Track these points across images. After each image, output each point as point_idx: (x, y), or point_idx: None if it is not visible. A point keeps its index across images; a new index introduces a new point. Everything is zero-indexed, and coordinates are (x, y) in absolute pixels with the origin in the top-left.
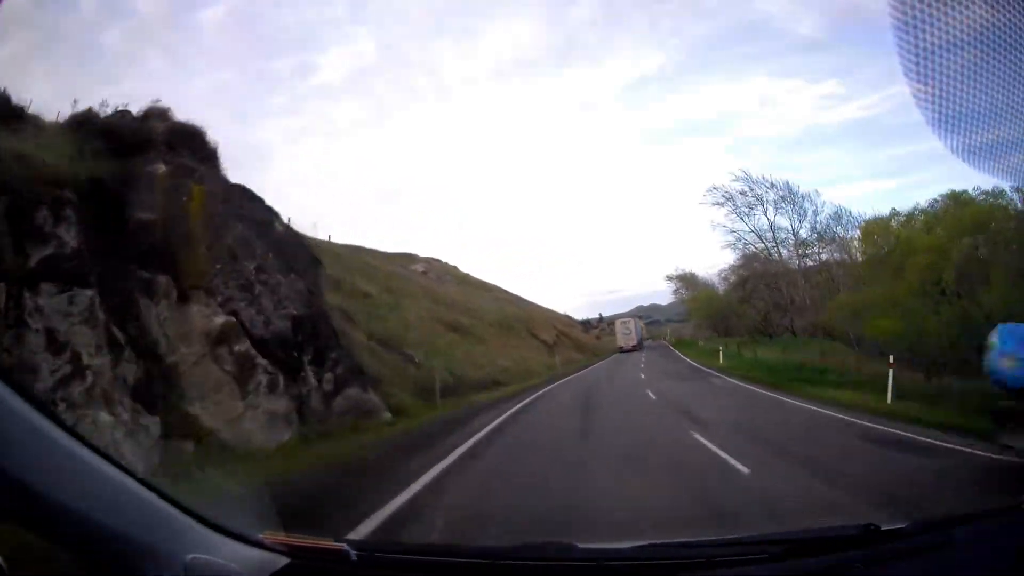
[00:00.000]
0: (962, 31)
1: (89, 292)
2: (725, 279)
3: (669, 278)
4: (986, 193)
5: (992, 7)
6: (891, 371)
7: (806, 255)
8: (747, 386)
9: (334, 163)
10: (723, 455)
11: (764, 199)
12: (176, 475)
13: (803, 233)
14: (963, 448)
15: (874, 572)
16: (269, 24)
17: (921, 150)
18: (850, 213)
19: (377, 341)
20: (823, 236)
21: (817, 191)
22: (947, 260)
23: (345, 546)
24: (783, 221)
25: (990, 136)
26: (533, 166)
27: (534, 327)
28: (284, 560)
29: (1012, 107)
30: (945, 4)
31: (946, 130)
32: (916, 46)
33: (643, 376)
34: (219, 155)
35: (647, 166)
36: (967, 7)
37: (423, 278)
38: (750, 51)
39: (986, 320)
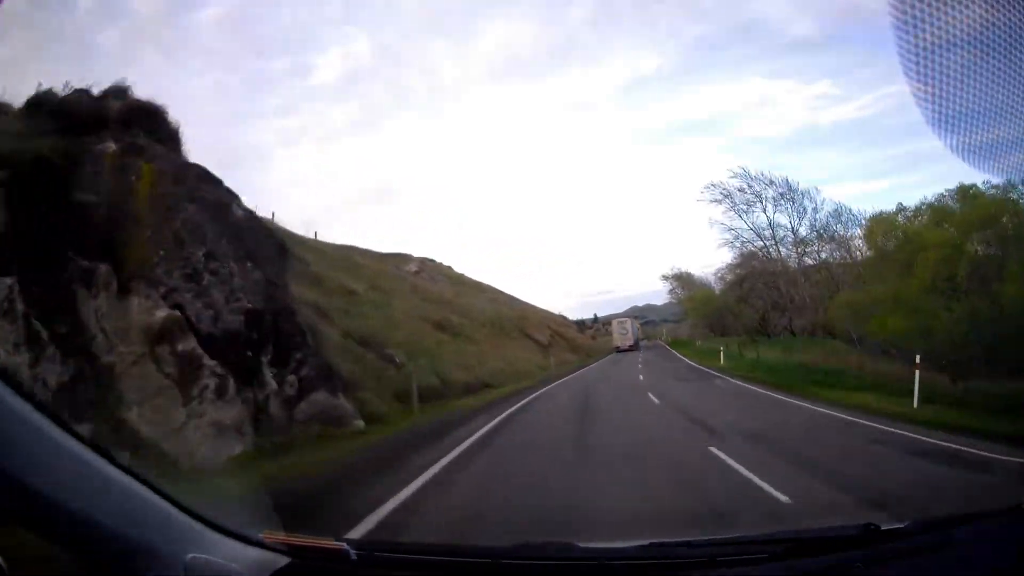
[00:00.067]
0: (962, 30)
1: (8, 280)
2: (722, 278)
3: (665, 278)
4: (996, 187)
5: (992, 6)
6: (917, 373)
7: (806, 253)
8: (755, 388)
9: (330, 164)
10: (753, 478)
11: (763, 196)
12: None
13: (802, 231)
14: None
15: (874, 572)
16: (265, 25)
17: (916, 150)
18: (850, 211)
19: (355, 340)
20: (823, 234)
21: (817, 188)
22: (959, 256)
23: (345, 545)
24: (782, 219)
25: (990, 135)
26: (528, 167)
27: (528, 327)
28: (284, 559)
29: (1012, 106)
30: (945, 3)
31: (945, 129)
32: (916, 45)
33: (642, 378)
34: (181, 135)
35: (642, 166)
36: (967, 6)
37: (415, 277)
38: (746, 52)
39: (1003, 317)
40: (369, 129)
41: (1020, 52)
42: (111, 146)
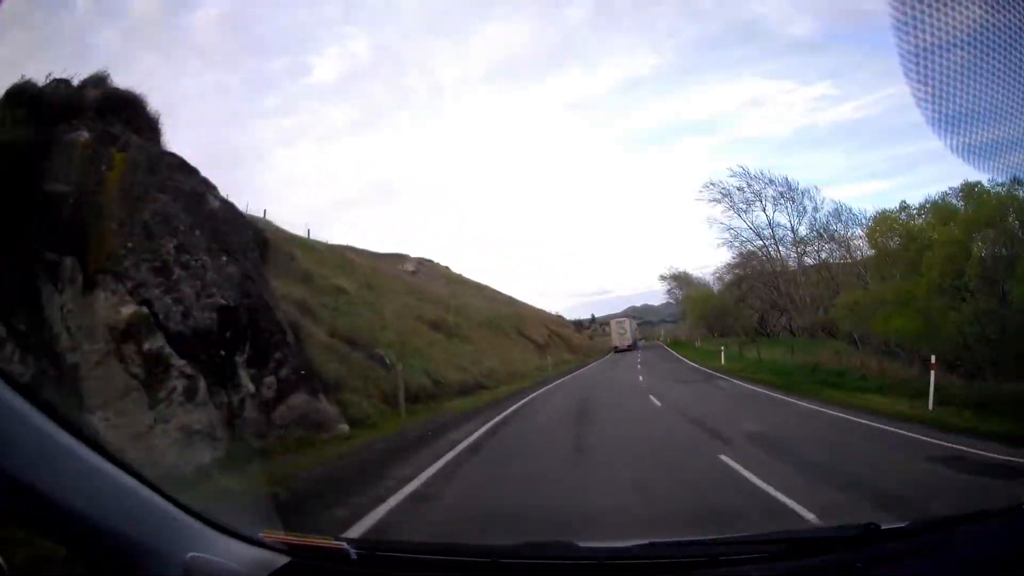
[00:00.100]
0: (962, 30)
1: None
2: (720, 279)
3: (663, 278)
4: (1001, 185)
5: (992, 6)
6: (933, 374)
7: (805, 253)
8: (760, 390)
9: (329, 165)
10: (772, 492)
11: (763, 195)
12: None
13: (802, 231)
14: None
15: (874, 572)
16: (264, 26)
17: (914, 151)
18: (850, 210)
19: (342, 339)
20: (822, 234)
21: (816, 187)
22: (966, 254)
23: (345, 545)
24: (782, 218)
25: (990, 135)
26: (526, 168)
27: (525, 327)
28: (284, 559)
29: (1012, 106)
30: (944, 4)
31: (946, 129)
32: (916, 46)
33: (642, 379)
34: (160, 125)
35: (639, 167)
36: (966, 7)
37: (411, 277)
38: (743, 52)
39: (1012, 316)
40: (367, 130)
41: (1020, 52)
42: (84, 135)
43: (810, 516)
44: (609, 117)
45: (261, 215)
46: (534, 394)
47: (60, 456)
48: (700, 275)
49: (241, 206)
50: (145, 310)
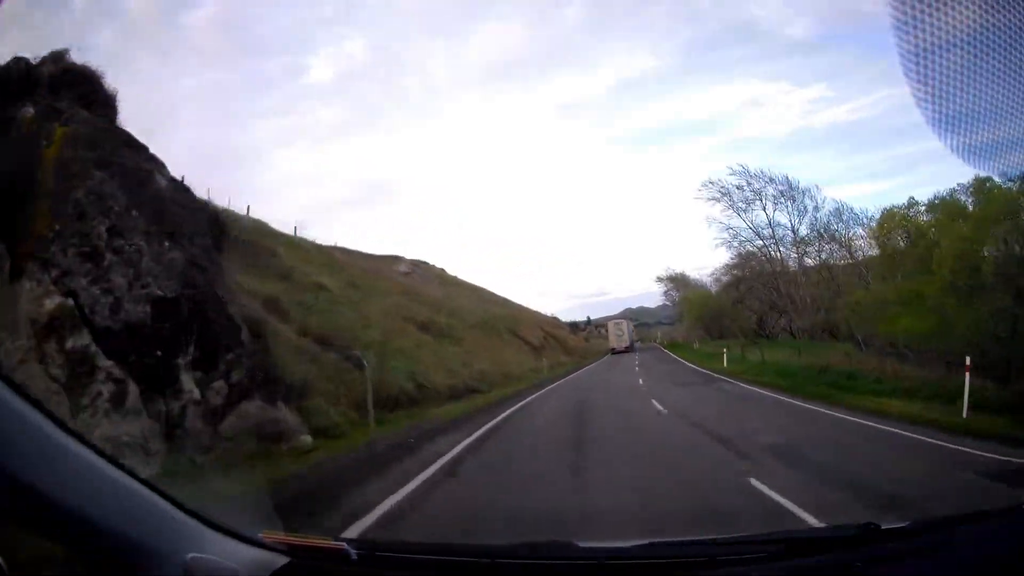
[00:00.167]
0: (962, 30)
1: None
2: (717, 280)
3: (660, 279)
4: (1013, 181)
5: (992, 6)
6: (968, 377)
7: (806, 253)
8: (770, 394)
9: (327, 166)
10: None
11: (763, 194)
12: None
13: (803, 230)
14: None
15: (874, 572)
16: (259, 27)
17: (912, 152)
18: (852, 210)
19: (314, 339)
20: (823, 234)
21: (817, 186)
22: (979, 251)
23: (345, 545)
24: (782, 218)
25: (991, 135)
26: (522, 170)
27: (519, 328)
28: (284, 559)
29: (1012, 106)
30: (945, 3)
31: (946, 129)
32: (916, 45)
33: (641, 382)
34: (117, 101)
35: (636, 168)
36: (967, 6)
37: (404, 278)
38: (740, 54)
39: None
40: (365, 130)
41: (1020, 52)
42: (30, 111)
43: None
44: (606, 118)
45: (245, 212)
46: (527, 399)
47: (60, 456)
48: (697, 277)
49: (242, 206)
50: (71, 302)
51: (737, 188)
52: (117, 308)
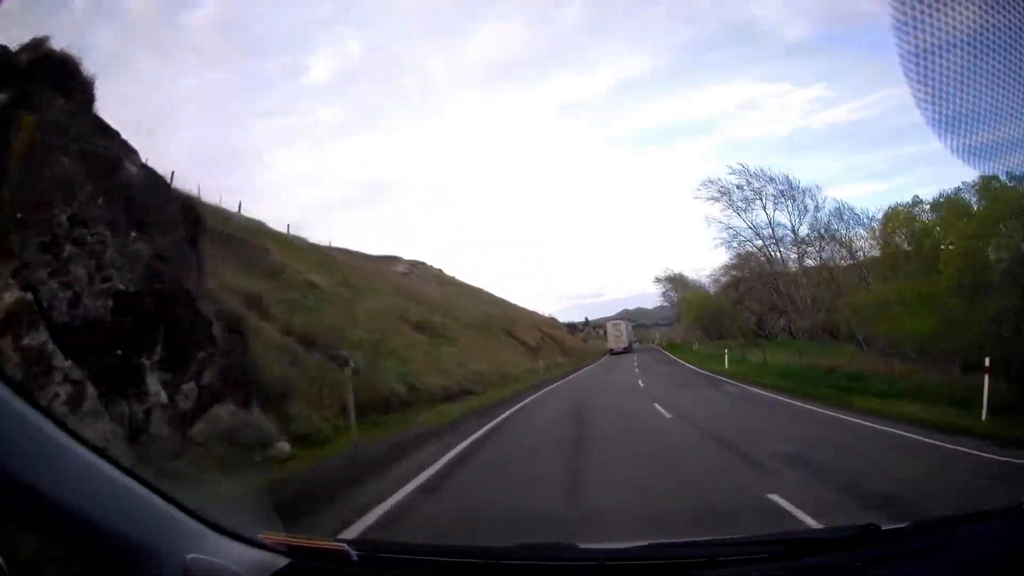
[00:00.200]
0: (962, 30)
1: None
2: (716, 280)
3: (658, 280)
4: (1018, 180)
5: (992, 6)
6: (987, 379)
7: (806, 253)
8: (777, 397)
9: (327, 167)
10: None
11: (763, 193)
12: None
13: (803, 230)
14: None
15: (874, 572)
16: (258, 27)
17: (911, 153)
18: (852, 210)
19: (298, 338)
20: (823, 234)
21: (818, 186)
22: (986, 250)
23: (346, 546)
24: (782, 217)
25: (990, 136)
26: (520, 172)
27: (516, 329)
28: (284, 560)
29: (1012, 106)
30: (945, 4)
31: (945, 130)
32: (916, 46)
33: (642, 383)
34: (94, 87)
35: (634, 169)
36: (967, 7)
37: (397, 276)
38: (740, 54)
39: None
40: (365, 132)
41: (1020, 52)
42: (3, 98)
43: None
44: (605, 118)
45: (237, 209)
46: (523, 402)
47: (60, 456)
48: (695, 278)
49: (240, 205)
50: (30, 296)
51: (737, 187)
52: (76, 303)
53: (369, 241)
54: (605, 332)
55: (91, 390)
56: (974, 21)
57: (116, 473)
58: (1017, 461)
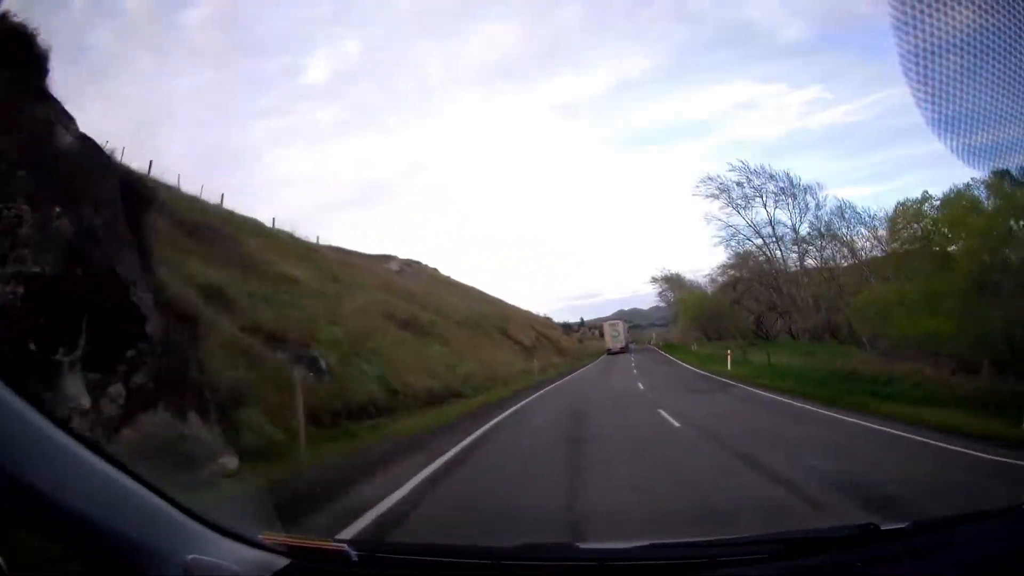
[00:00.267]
0: (962, 31)
1: None
2: (713, 281)
3: (655, 280)
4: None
5: (992, 7)
6: None
7: (807, 252)
8: (791, 402)
9: (327, 167)
10: None
11: (763, 191)
12: None
13: (804, 229)
14: None
15: (874, 572)
16: (257, 27)
17: (910, 154)
18: (854, 208)
19: (263, 335)
20: (824, 233)
21: (819, 184)
22: (1004, 247)
23: (346, 546)
24: (782, 216)
25: (990, 136)
26: (516, 173)
27: (510, 328)
28: (284, 560)
29: (1012, 107)
30: (945, 4)
31: (945, 130)
32: (916, 46)
33: (642, 386)
34: (48, 60)
35: (631, 170)
36: (967, 7)
37: (389, 273)
38: (737, 55)
39: None
40: (363, 132)
41: (1020, 53)
42: None
43: None
44: (603, 118)
45: (219, 201)
46: (516, 406)
47: (60, 456)
48: (692, 278)
49: (232, 200)
50: None
51: (736, 184)
52: None
53: (368, 242)
54: (601, 332)
55: None
56: (974, 22)
57: (116, 473)
58: None
